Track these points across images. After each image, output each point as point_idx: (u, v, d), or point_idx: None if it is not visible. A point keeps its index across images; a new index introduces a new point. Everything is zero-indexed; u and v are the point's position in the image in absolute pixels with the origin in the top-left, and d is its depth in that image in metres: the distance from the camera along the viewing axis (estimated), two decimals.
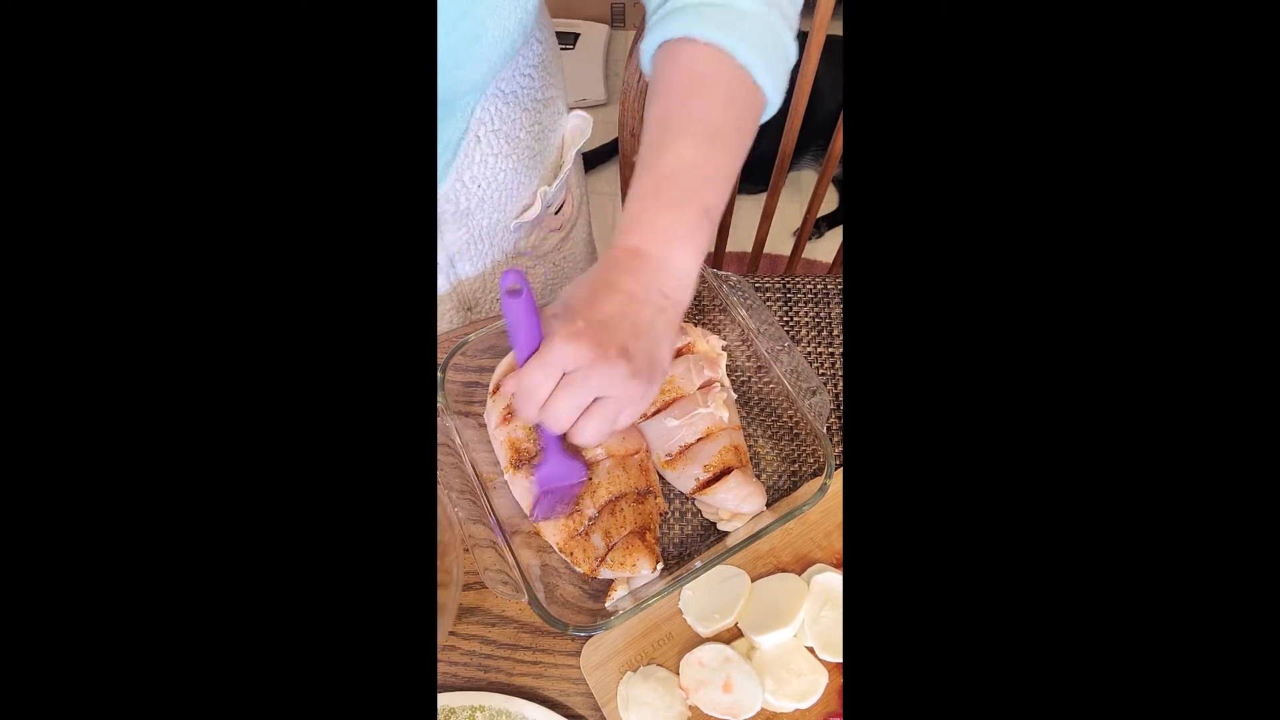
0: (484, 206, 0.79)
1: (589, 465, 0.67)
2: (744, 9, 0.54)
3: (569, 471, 0.65)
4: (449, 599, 0.61)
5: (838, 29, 1.83)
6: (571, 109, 0.87)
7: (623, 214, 0.54)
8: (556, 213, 0.89)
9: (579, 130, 0.86)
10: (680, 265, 0.53)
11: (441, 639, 0.59)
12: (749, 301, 0.72)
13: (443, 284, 0.85)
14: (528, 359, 0.51)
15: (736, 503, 0.66)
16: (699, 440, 0.70)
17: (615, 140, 1.03)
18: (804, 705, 0.60)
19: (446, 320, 0.88)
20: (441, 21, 0.58)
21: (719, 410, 0.70)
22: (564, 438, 0.57)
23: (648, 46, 0.57)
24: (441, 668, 0.64)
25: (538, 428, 0.63)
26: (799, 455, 0.72)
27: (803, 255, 1.30)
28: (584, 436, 0.52)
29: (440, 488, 0.64)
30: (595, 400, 0.51)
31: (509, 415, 0.69)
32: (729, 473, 0.67)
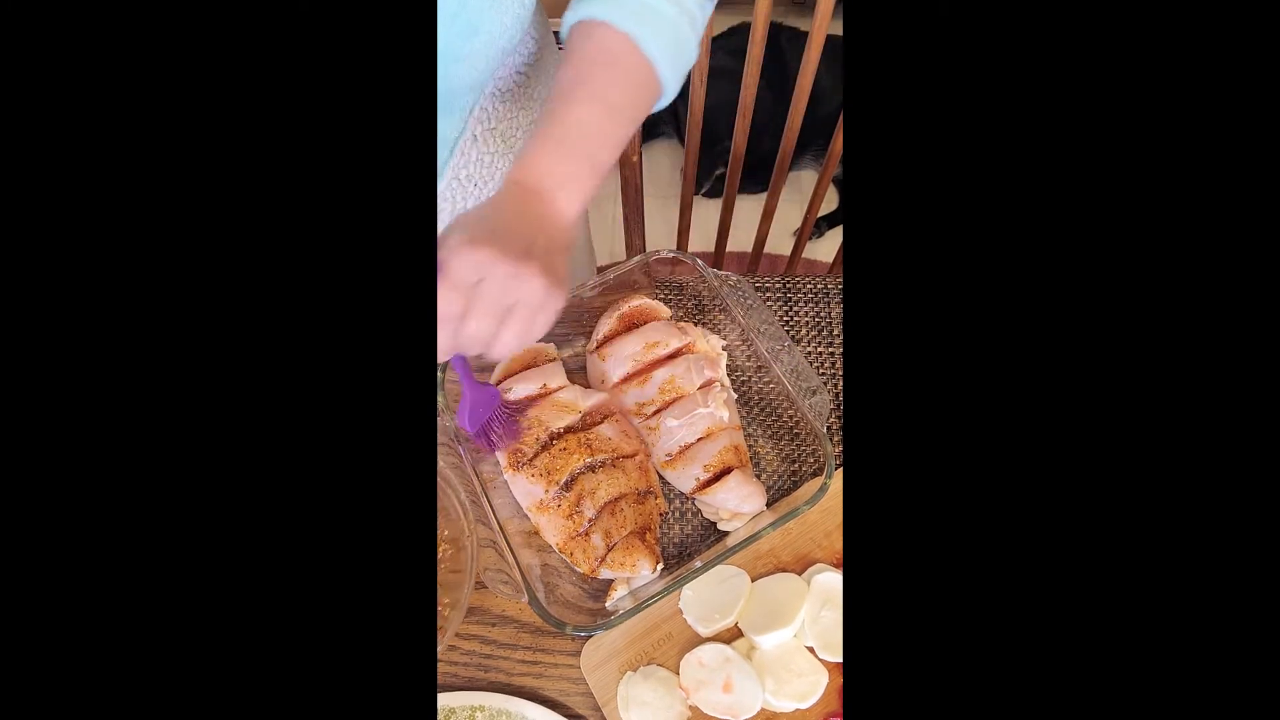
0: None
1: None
2: (658, 8, 0.60)
3: (487, 397, 0.65)
4: (462, 596, 0.61)
5: (838, 29, 1.83)
6: None
7: (520, 155, 0.57)
8: None
9: None
10: (566, 208, 0.56)
11: (450, 637, 0.58)
12: (749, 301, 0.72)
13: None
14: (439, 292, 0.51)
15: (736, 503, 0.67)
16: (699, 440, 0.70)
17: None
18: (804, 705, 0.60)
19: None
20: (439, 16, 0.59)
21: (719, 410, 0.70)
22: (467, 364, 0.60)
23: (570, 18, 0.62)
24: (441, 667, 0.64)
25: (449, 365, 0.66)
26: (799, 455, 0.72)
27: (803, 255, 1.30)
28: (503, 348, 0.52)
29: (447, 484, 0.64)
30: (507, 313, 0.52)
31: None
32: (729, 473, 0.67)
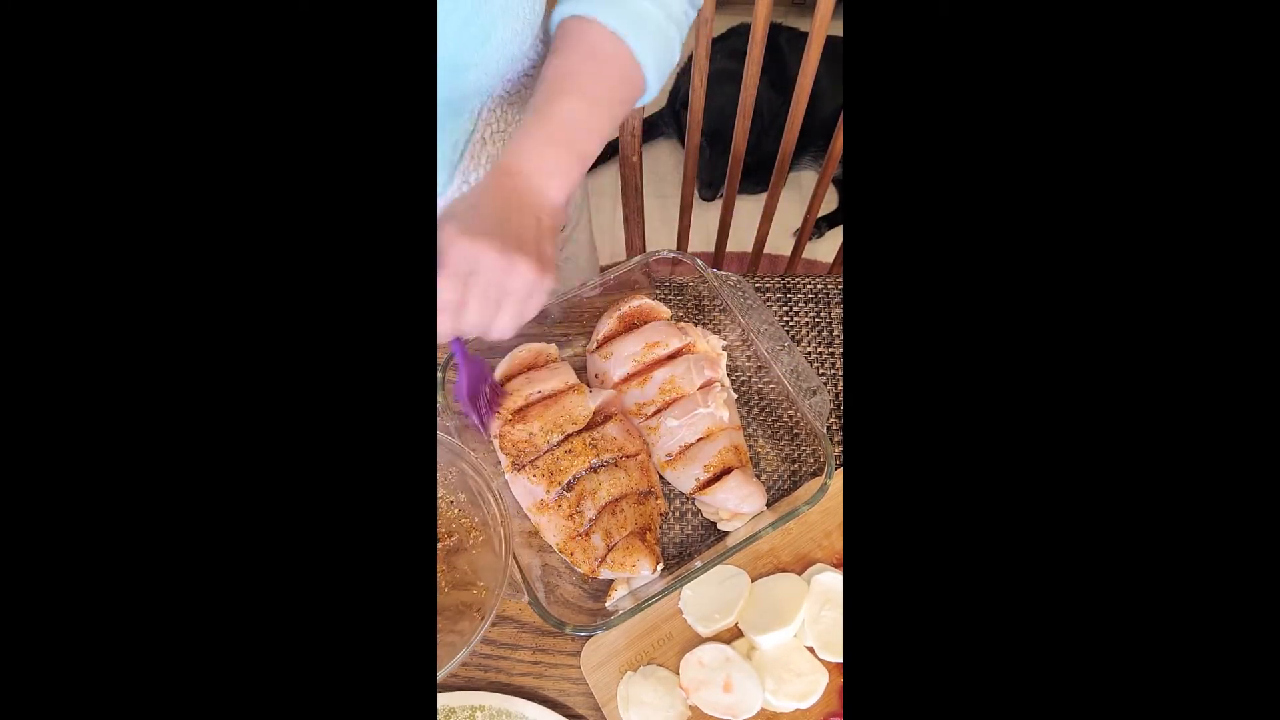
0: None
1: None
2: (646, 10, 0.63)
3: (480, 371, 0.67)
4: (492, 599, 0.60)
5: (838, 29, 1.83)
6: None
7: (509, 146, 0.60)
8: None
9: None
10: (553, 195, 0.59)
11: (475, 642, 0.58)
12: (749, 302, 0.72)
13: None
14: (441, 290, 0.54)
15: (736, 503, 0.66)
16: (699, 440, 0.70)
17: (615, 140, 1.03)
18: (804, 705, 0.61)
19: None
20: (451, 22, 0.60)
21: (719, 410, 0.70)
22: (462, 343, 0.64)
23: (559, 12, 0.65)
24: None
25: (449, 365, 0.69)
26: (799, 455, 0.72)
27: (803, 255, 1.30)
28: (499, 332, 0.56)
29: (476, 472, 0.63)
30: (501, 300, 0.56)
31: (511, 417, 0.69)
32: (729, 472, 0.67)
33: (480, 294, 0.54)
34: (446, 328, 0.55)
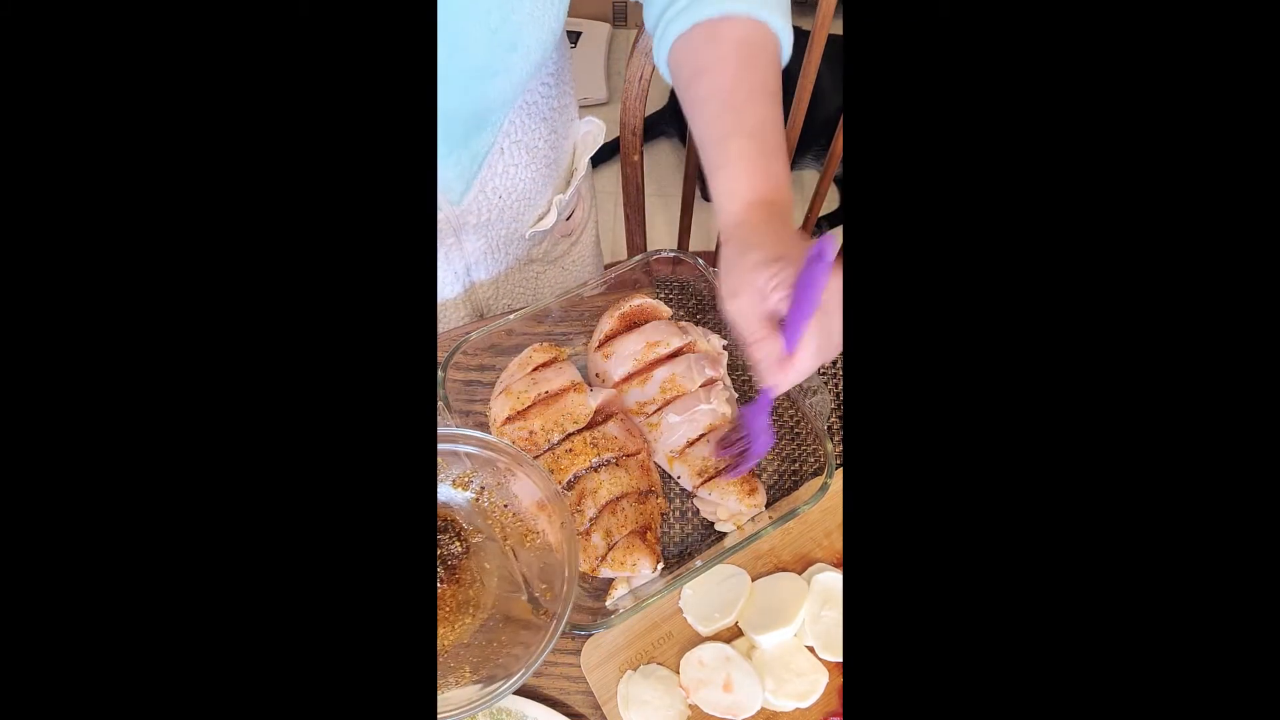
0: (503, 217, 0.79)
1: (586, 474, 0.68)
2: None
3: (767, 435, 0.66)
4: (561, 606, 0.57)
5: (839, 28, 1.83)
6: (584, 119, 0.87)
7: (730, 173, 0.57)
8: (568, 219, 0.90)
9: (591, 137, 0.86)
10: (790, 201, 0.58)
11: (537, 662, 0.56)
12: None
13: (457, 290, 0.85)
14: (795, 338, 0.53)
15: (736, 502, 0.67)
16: (701, 436, 0.70)
17: (616, 139, 1.03)
18: (804, 705, 0.61)
19: (457, 324, 0.89)
20: (480, 30, 0.59)
21: (721, 406, 0.70)
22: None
23: (675, 30, 0.62)
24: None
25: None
26: (799, 455, 0.72)
27: None
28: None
29: (531, 466, 0.62)
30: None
31: (512, 415, 0.69)
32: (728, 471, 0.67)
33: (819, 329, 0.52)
34: (807, 365, 0.53)
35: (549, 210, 0.84)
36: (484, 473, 0.63)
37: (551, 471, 0.67)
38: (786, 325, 0.53)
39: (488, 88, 0.64)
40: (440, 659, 0.59)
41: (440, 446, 0.61)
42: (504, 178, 0.75)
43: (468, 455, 0.62)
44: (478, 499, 0.64)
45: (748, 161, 0.57)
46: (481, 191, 0.75)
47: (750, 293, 0.53)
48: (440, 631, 0.60)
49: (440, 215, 0.75)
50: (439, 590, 0.62)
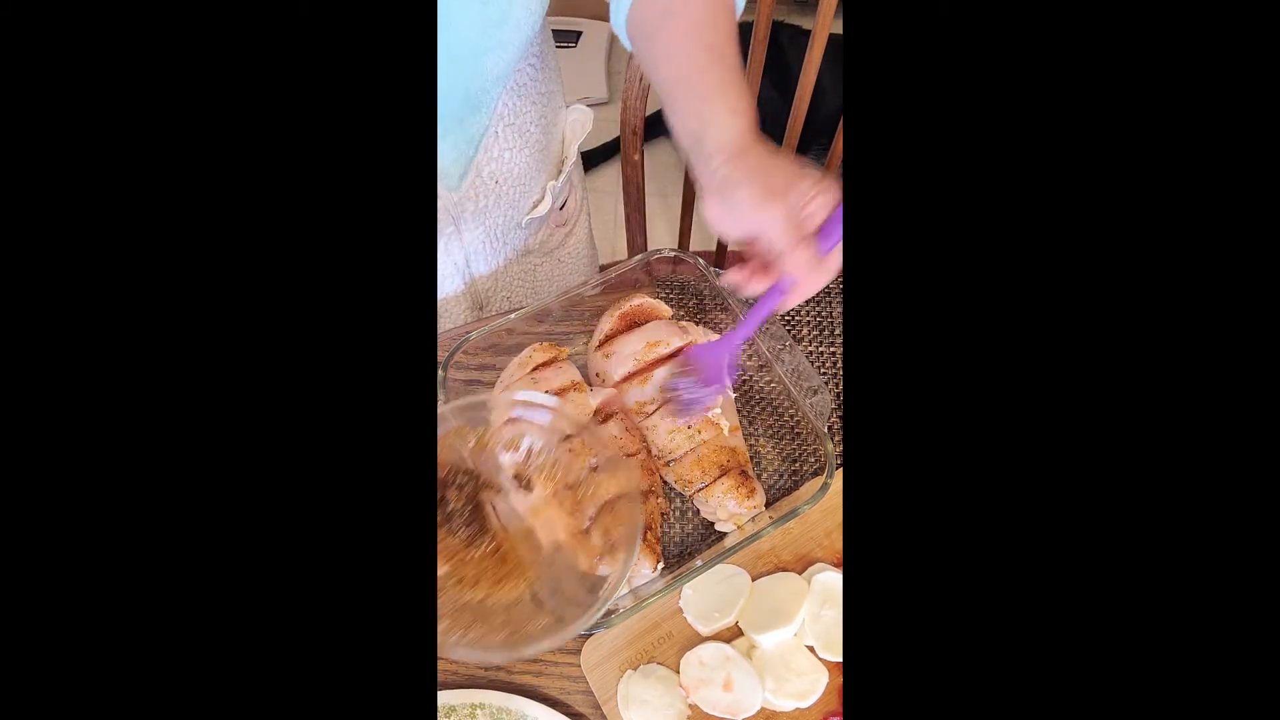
0: (500, 204, 0.79)
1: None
2: None
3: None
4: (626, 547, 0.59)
5: (840, 27, 1.83)
6: (571, 106, 0.87)
7: (732, 94, 0.58)
8: (561, 208, 0.90)
9: (580, 124, 0.86)
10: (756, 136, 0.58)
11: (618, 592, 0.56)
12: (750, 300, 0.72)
13: (458, 284, 0.85)
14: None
15: (736, 502, 0.66)
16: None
17: (617, 139, 1.03)
18: (804, 704, 0.60)
19: (458, 319, 0.89)
20: (471, 6, 0.60)
21: (719, 409, 0.70)
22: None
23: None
24: (441, 665, 0.64)
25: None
26: (800, 454, 0.72)
27: None
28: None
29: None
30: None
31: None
32: (728, 473, 0.67)
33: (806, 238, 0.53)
34: (816, 284, 0.55)
35: (544, 196, 0.84)
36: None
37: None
38: (822, 233, 0.55)
39: (481, 64, 0.65)
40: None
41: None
42: (499, 162, 0.76)
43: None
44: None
45: (739, 89, 0.58)
46: (478, 176, 0.75)
47: (796, 194, 0.53)
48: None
49: (439, 203, 0.75)
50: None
